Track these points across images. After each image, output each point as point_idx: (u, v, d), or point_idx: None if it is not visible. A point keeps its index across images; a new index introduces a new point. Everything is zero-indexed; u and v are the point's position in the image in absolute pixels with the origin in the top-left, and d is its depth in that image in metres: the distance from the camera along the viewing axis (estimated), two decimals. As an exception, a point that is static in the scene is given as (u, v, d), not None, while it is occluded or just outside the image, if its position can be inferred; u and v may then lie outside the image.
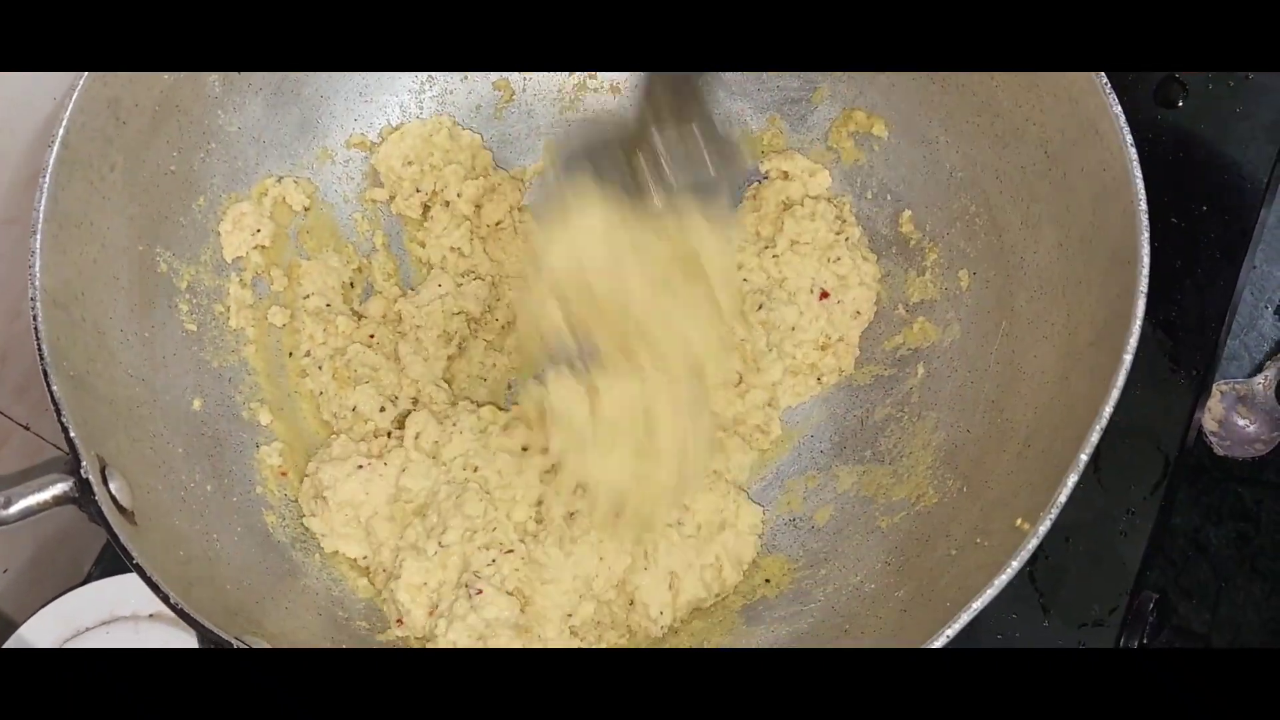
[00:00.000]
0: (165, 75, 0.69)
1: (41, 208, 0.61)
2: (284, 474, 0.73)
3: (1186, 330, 0.82)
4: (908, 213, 0.79)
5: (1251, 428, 1.06)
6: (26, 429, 0.74)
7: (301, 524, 0.72)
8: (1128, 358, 0.57)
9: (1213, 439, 1.05)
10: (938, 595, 0.62)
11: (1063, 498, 0.55)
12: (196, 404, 0.71)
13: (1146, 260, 0.59)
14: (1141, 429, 0.79)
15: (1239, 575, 1.06)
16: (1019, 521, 0.60)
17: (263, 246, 0.77)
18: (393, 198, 0.82)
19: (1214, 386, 1.06)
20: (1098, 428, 0.56)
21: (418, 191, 0.81)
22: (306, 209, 0.79)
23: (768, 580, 0.72)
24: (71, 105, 0.63)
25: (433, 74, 0.83)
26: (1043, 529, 0.56)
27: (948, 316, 0.75)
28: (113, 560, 0.82)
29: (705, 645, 0.69)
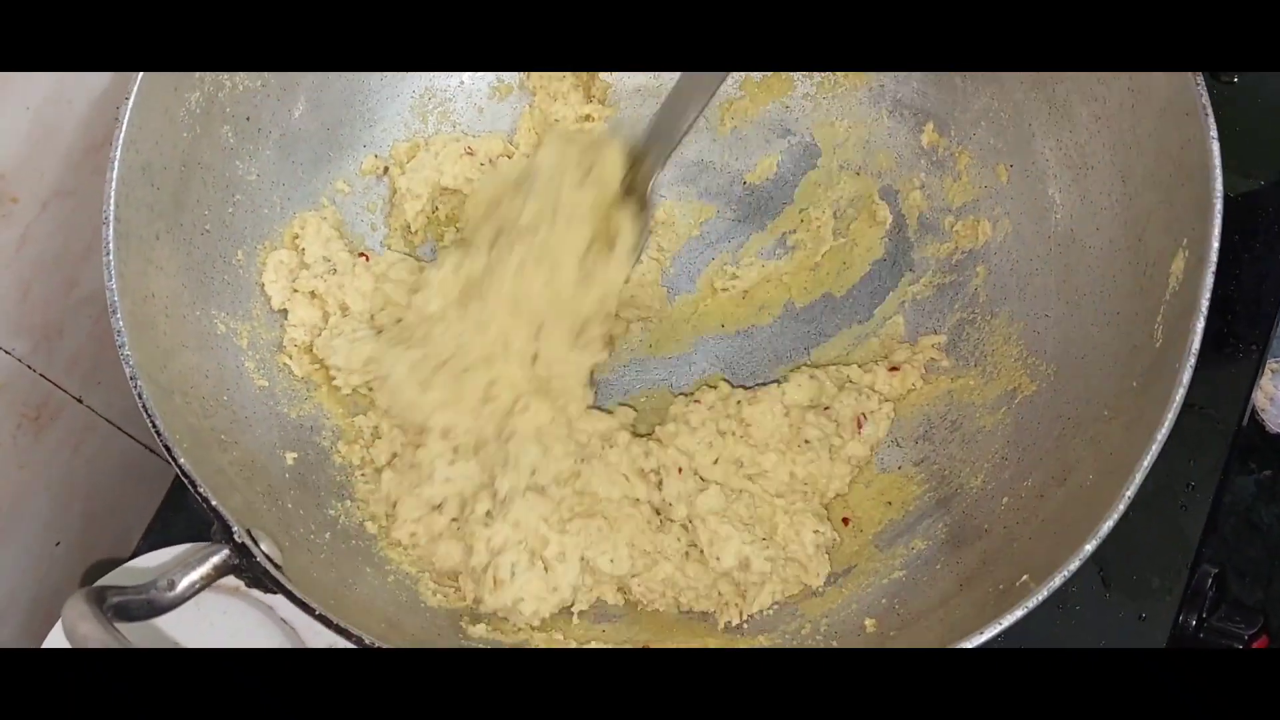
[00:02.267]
0: (184, 133, 0.67)
1: (114, 286, 0.59)
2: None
3: (1244, 305, 0.82)
4: (929, 124, 0.80)
5: (1303, 407, 1.05)
6: (79, 401, 0.74)
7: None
8: (1216, 199, 0.59)
9: (1264, 416, 1.05)
10: (1072, 478, 0.63)
11: (1196, 345, 0.57)
12: (290, 458, 0.69)
13: (1207, 103, 0.61)
14: (1200, 403, 0.78)
15: (1292, 553, 1.06)
16: (1133, 383, 0.62)
17: (311, 292, 0.75)
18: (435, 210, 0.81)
19: (1266, 364, 1.04)
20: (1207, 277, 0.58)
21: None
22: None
23: (889, 503, 0.73)
24: (115, 178, 0.61)
25: (431, 89, 0.82)
26: (1179, 397, 0.56)
27: (995, 212, 0.77)
28: (160, 535, 0.82)
29: (852, 572, 0.70)
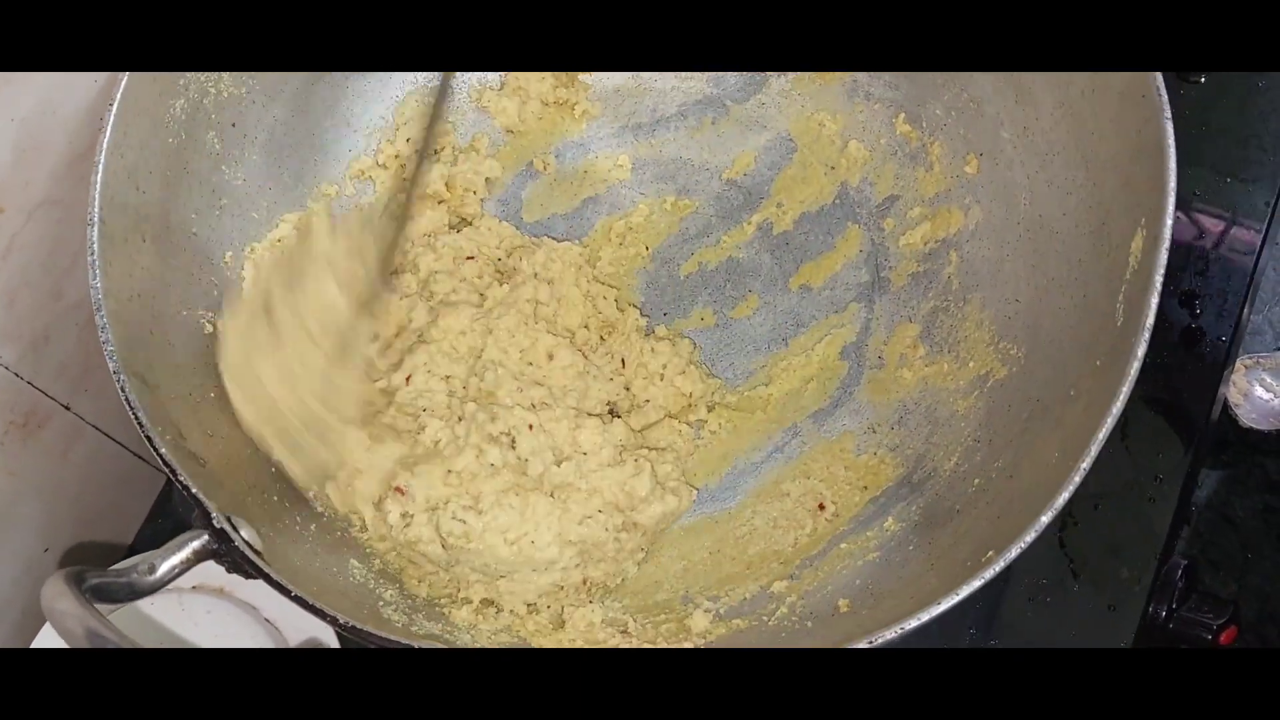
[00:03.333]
0: (170, 139, 0.69)
1: (99, 285, 0.61)
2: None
3: (1211, 300, 0.83)
4: (901, 116, 0.81)
5: (1275, 401, 1.06)
6: (67, 409, 0.75)
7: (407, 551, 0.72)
8: (1170, 176, 0.60)
9: (1237, 411, 1.06)
10: (1039, 458, 0.64)
11: (1150, 320, 0.58)
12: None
13: (1161, 85, 0.62)
14: (1167, 398, 0.80)
15: (1265, 545, 1.08)
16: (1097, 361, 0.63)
17: (295, 290, 0.77)
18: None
19: (1237, 360, 1.06)
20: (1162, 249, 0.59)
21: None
22: (325, 246, 0.80)
23: (865, 487, 0.74)
24: (99, 181, 0.63)
25: (414, 92, 0.84)
26: (1133, 372, 0.57)
27: (966, 201, 0.78)
28: (150, 539, 0.83)
29: (827, 554, 0.71)
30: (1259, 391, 1.03)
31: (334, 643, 0.73)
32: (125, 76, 0.65)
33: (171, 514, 0.84)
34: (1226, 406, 1.06)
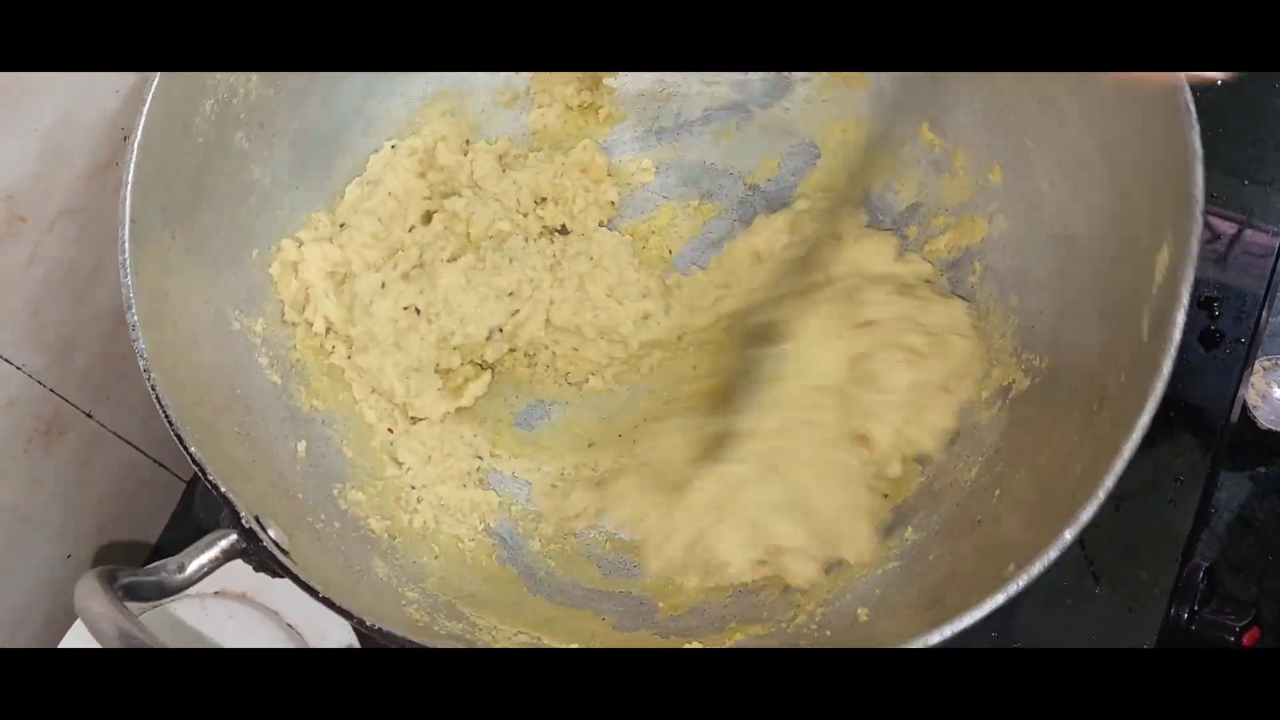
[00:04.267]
0: (199, 139, 0.70)
1: (130, 283, 0.61)
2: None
3: (1228, 302, 0.83)
4: (925, 124, 0.81)
5: (1294, 403, 1.06)
6: (89, 416, 0.76)
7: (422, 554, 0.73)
8: (1197, 191, 0.60)
9: (1256, 413, 1.06)
10: (1062, 472, 0.64)
11: (1177, 336, 0.58)
12: (301, 448, 0.71)
13: (1189, 98, 0.62)
14: (1186, 400, 0.80)
15: (1286, 548, 1.07)
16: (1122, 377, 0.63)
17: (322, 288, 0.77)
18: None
19: (1256, 362, 1.07)
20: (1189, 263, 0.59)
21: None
22: (351, 245, 0.80)
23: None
24: (130, 181, 0.63)
25: (441, 92, 0.84)
26: (1160, 389, 0.57)
27: (990, 210, 0.78)
28: (171, 545, 0.83)
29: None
30: (1278, 393, 1.03)
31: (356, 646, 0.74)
32: (156, 78, 0.65)
33: (192, 520, 0.84)
34: (1245, 409, 1.06)
